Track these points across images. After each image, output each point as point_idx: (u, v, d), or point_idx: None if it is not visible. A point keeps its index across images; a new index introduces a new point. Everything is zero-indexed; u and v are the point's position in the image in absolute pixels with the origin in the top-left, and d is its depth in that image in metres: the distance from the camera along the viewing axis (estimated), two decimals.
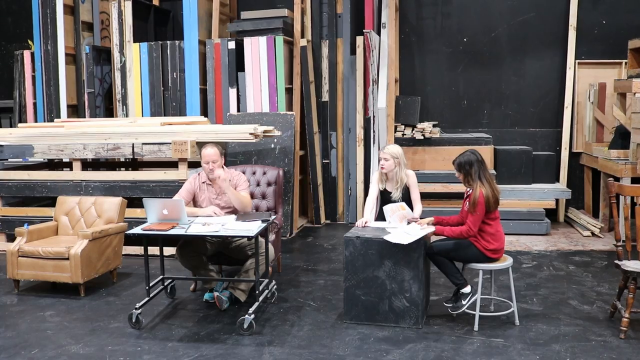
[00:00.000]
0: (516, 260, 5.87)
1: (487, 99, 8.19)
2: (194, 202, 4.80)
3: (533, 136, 8.07)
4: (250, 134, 5.99)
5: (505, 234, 4.29)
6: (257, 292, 4.31)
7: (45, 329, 4.27)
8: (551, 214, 7.60)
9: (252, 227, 4.17)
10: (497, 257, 4.16)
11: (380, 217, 4.78)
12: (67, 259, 4.93)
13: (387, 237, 4.08)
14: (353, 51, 7.87)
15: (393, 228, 4.30)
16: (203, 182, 4.76)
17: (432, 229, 4.16)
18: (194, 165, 6.49)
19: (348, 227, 7.52)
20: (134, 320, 4.22)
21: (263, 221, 4.38)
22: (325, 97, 7.95)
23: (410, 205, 4.66)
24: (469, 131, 8.19)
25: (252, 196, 5.31)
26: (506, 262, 4.20)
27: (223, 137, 6.05)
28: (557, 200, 7.63)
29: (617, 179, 6.47)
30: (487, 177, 4.09)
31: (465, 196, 4.23)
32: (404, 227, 4.27)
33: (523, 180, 7.41)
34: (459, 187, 7.18)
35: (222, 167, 4.76)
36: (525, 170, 7.44)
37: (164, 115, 7.72)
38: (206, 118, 7.14)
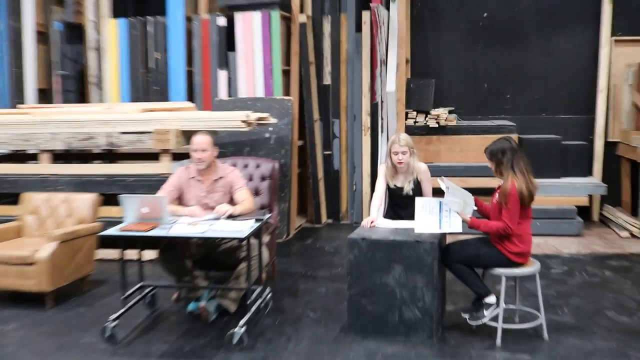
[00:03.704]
0: (544, 264, 5.84)
1: (511, 81, 8.14)
2: (180, 199, 4.75)
3: (563, 124, 8.02)
4: (242, 121, 5.98)
5: (532, 235, 4.27)
6: (248, 301, 4.28)
7: (6, 345, 4.22)
8: (584, 212, 7.56)
9: (244, 228, 4.13)
10: (522, 261, 4.13)
11: (389, 215, 4.76)
12: (33, 264, 4.88)
13: (416, 229, 4.18)
14: (359, 28, 7.83)
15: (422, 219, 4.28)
16: (192, 177, 4.72)
17: (466, 218, 4.14)
18: (178, 157, 6.45)
19: (353, 228, 7.45)
20: (108, 335, 4.18)
21: (256, 220, 4.35)
22: (327, 80, 7.91)
23: None
24: (490, 118, 8.15)
25: None
26: (533, 267, 4.17)
27: (211, 125, 6.03)
28: (590, 197, 7.61)
29: None
30: (521, 168, 4.08)
31: (496, 188, 4.21)
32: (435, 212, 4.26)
33: (551, 174, 7.36)
34: (480, 182, 7.11)
35: (214, 161, 4.72)
36: (554, 162, 7.39)
37: (145, 101, 7.71)
38: (192, 104, 7.17)
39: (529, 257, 4.19)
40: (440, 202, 4.19)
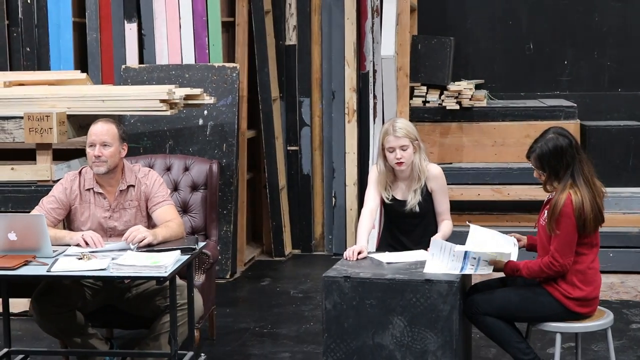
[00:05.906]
0: (620, 316, 5.86)
1: (570, 40, 8.26)
2: (70, 222, 4.77)
3: None
4: (162, 101, 5.98)
5: (601, 272, 4.30)
6: None
7: None
8: None
9: (166, 262, 4.11)
10: (586, 311, 4.18)
11: (385, 242, 4.83)
12: None
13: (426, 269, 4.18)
14: None
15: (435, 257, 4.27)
16: (88, 189, 4.71)
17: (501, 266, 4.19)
18: (64, 155, 6.45)
19: (331, 261, 7.48)
20: None
21: (184, 251, 4.34)
22: (292, 38, 7.96)
23: (433, 220, 4.70)
24: (539, 96, 8.25)
25: None
26: (603, 320, 4.22)
27: (115, 107, 6.04)
28: None
29: None
30: (585, 175, 4.10)
31: (544, 203, 4.27)
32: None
33: (630, 180, 7.45)
34: (524, 192, 7.18)
35: (121, 162, 4.73)
36: (635, 162, 7.49)
37: (10, 69, 7.68)
38: (84, 74, 7.10)
39: (596, 305, 4.22)
40: (466, 253, 4.14)
